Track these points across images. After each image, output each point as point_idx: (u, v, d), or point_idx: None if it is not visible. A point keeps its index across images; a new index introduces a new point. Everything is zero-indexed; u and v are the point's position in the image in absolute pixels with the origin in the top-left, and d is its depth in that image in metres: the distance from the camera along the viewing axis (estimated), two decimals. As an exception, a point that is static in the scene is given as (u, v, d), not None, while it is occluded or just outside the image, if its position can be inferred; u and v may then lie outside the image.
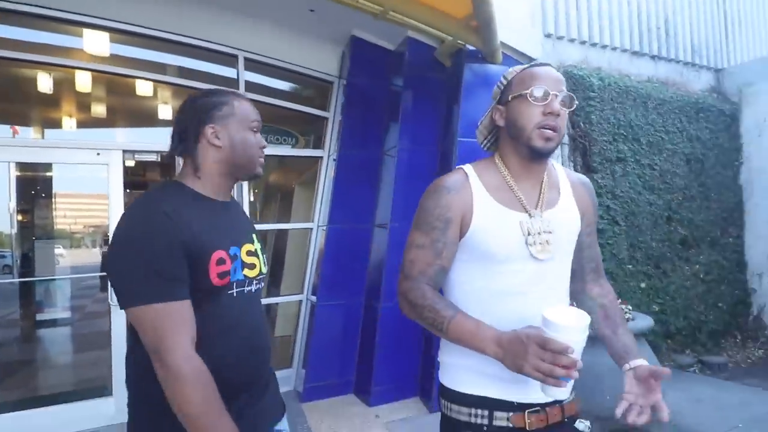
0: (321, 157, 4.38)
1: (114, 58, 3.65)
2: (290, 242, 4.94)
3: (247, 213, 4.60)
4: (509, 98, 1.20)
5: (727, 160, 5.09)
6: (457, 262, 1.20)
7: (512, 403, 1.13)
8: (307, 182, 4.80)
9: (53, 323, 3.97)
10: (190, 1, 3.67)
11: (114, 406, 3.34)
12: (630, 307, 3.31)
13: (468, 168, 1.25)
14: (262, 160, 1.30)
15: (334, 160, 4.18)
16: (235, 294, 1.19)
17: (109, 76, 3.74)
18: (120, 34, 3.61)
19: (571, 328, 0.97)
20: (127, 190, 3.55)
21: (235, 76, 4.00)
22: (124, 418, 1.20)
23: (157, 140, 4.04)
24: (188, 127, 1.22)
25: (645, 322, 3.27)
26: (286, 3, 3.67)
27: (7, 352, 3.45)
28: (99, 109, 4.38)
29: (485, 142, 1.32)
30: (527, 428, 1.13)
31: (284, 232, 5.01)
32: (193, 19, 3.71)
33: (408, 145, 3.82)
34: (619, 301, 3.27)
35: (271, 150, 4.36)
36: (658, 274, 4.41)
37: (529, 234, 1.15)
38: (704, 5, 5.50)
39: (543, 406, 1.15)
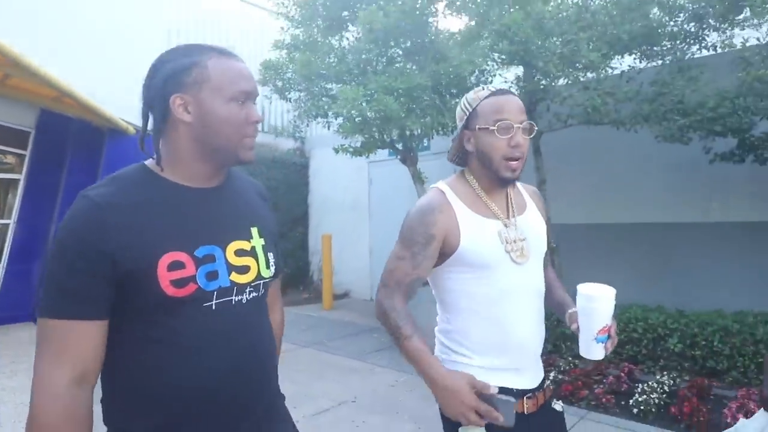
0: (19, 180, 6.98)
1: None
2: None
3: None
4: (476, 128, 1.31)
5: (299, 189, 9.16)
6: (457, 274, 1.32)
7: (512, 390, 1.26)
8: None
9: None
10: None
11: None
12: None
13: (443, 186, 1.37)
14: (250, 140, 1.01)
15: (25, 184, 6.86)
16: (214, 306, 0.96)
17: None
18: None
19: (605, 296, 1.22)
20: None
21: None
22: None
23: None
24: (154, 98, 0.98)
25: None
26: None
27: None
28: None
29: (455, 159, 1.45)
30: (525, 412, 1.27)
31: None
32: None
33: (73, 173, 6.76)
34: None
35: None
36: (239, 251, 8.13)
37: (507, 242, 1.30)
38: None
39: (533, 391, 1.32)
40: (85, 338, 0.90)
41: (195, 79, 0.96)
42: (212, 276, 0.97)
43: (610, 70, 4.43)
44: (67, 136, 6.85)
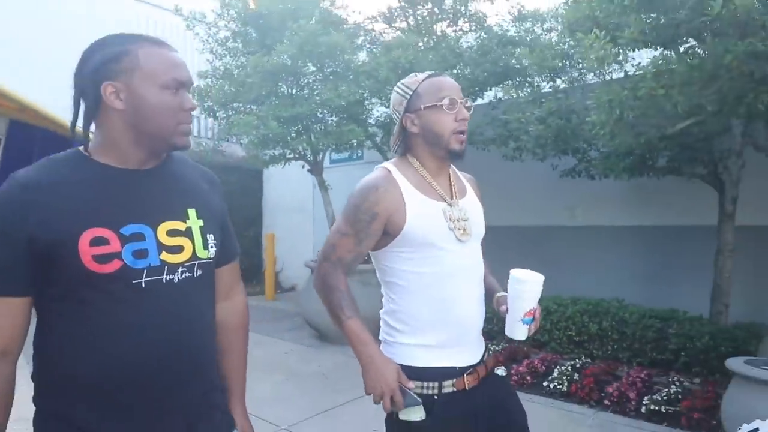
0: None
1: None
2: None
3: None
4: (421, 107, 1.35)
5: (254, 193, 10.08)
6: (403, 255, 1.36)
7: (455, 368, 1.33)
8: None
9: None
10: None
11: None
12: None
13: (390, 166, 1.41)
14: (185, 126, 1.03)
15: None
16: (144, 284, 0.98)
17: None
18: None
19: (534, 281, 1.32)
20: None
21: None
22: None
23: None
24: (85, 86, 1.00)
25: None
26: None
27: None
28: None
29: (396, 146, 1.46)
30: (467, 388, 1.33)
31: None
32: None
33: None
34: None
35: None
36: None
37: (451, 220, 1.36)
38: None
39: (474, 366, 1.37)
40: (6, 314, 0.94)
41: (125, 67, 0.98)
42: (141, 254, 0.98)
43: (479, 100, 5.40)
44: (33, 143, 7.66)
